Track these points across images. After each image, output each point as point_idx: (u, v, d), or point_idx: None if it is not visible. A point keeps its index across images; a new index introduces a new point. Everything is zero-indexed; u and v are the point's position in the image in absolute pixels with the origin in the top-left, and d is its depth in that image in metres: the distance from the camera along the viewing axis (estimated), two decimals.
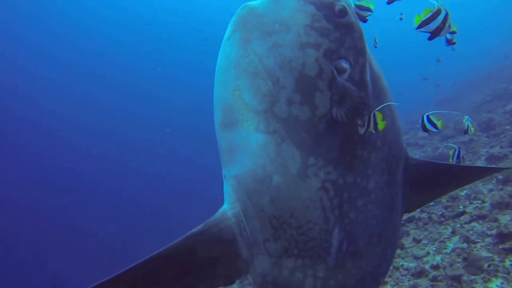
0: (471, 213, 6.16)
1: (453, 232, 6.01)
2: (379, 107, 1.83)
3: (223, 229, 1.91)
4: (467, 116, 4.52)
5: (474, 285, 4.86)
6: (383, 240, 2.09)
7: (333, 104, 1.69)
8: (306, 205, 1.78)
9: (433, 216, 6.58)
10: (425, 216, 6.76)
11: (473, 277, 4.99)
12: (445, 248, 5.79)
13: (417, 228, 6.61)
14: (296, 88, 1.68)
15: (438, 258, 5.65)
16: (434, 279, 5.28)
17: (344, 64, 1.75)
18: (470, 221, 6.04)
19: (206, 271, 1.90)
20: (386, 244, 2.12)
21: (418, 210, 7.01)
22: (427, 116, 4.27)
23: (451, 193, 6.88)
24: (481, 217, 5.99)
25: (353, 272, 2.02)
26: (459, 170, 2.63)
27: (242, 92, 1.75)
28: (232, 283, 1.99)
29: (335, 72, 1.71)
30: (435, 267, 5.47)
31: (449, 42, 4.91)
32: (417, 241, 6.27)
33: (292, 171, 1.73)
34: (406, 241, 6.37)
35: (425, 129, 4.14)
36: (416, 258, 5.87)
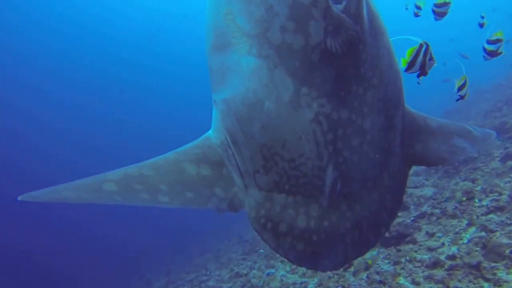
0: (487, 205, 5.79)
1: (470, 224, 5.62)
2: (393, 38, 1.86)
3: (206, 151, 1.92)
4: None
5: (495, 272, 4.45)
6: (379, 185, 2.02)
7: (327, 34, 1.65)
8: (298, 136, 1.74)
9: (448, 210, 6.20)
10: (438, 211, 6.39)
11: (493, 264, 4.58)
12: (461, 239, 5.39)
13: (429, 223, 6.23)
14: (290, 15, 1.64)
15: (454, 248, 5.25)
16: (450, 268, 4.87)
17: None
18: (487, 213, 5.67)
19: (206, 190, 1.86)
20: (383, 190, 2.04)
21: (430, 205, 6.65)
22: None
23: (465, 187, 6.54)
24: (499, 209, 5.62)
25: (348, 215, 1.97)
26: (447, 125, 2.42)
27: (235, 16, 1.74)
28: (235, 210, 1.95)
29: (330, 1, 1.68)
30: (451, 257, 5.06)
31: (494, 54, 4.66)
32: (430, 235, 5.87)
33: (284, 99, 1.70)
34: (419, 236, 5.97)
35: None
36: (430, 249, 5.46)
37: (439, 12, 5.69)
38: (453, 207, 6.24)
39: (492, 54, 4.82)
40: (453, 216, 6.03)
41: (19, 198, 1.59)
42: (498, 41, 4.81)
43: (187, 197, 1.81)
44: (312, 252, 1.94)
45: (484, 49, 4.86)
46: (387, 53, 1.92)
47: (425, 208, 6.81)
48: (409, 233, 6.08)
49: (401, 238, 6.14)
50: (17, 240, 22.04)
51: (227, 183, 1.91)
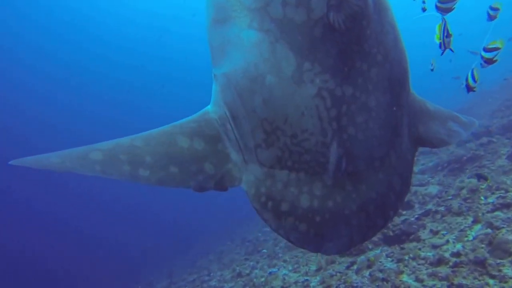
0: (493, 202, 5.66)
1: (475, 221, 5.49)
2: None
3: (203, 125, 1.88)
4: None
5: (501, 268, 4.32)
6: (386, 165, 1.96)
7: (330, 8, 1.61)
8: (301, 111, 1.70)
9: (453, 207, 6.08)
10: (443, 209, 6.26)
11: (499, 260, 4.46)
12: (466, 237, 5.27)
13: (434, 221, 6.10)
14: None
15: (459, 245, 5.12)
16: (455, 265, 4.74)
17: None
18: (493, 210, 5.54)
19: (194, 166, 1.80)
20: (390, 171, 1.98)
21: (435, 203, 6.52)
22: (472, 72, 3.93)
23: (470, 185, 6.41)
24: (506, 206, 5.49)
25: (353, 196, 1.90)
26: (441, 110, 2.44)
27: None
28: (224, 189, 1.88)
29: None
30: (456, 254, 4.93)
31: (490, 62, 4.62)
32: (434, 232, 5.75)
33: (287, 73, 1.66)
34: (423, 233, 5.86)
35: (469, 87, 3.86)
36: (435, 247, 5.34)
37: (444, 8, 5.63)
38: (459, 204, 6.12)
39: (488, 61, 4.77)
40: (458, 214, 5.91)
41: (10, 162, 1.59)
42: (495, 49, 4.77)
43: (170, 172, 1.74)
44: (315, 233, 1.87)
45: (481, 57, 4.82)
46: (392, 31, 1.87)
47: (430, 206, 6.68)
48: (413, 231, 5.96)
49: (405, 236, 6.03)
50: (18, 241, 22.13)
51: (220, 159, 1.85)
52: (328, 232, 1.88)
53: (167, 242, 19.02)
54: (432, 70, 6.55)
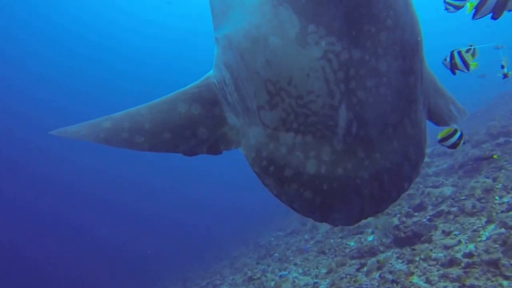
0: (508, 202, 5.46)
1: (489, 221, 5.31)
2: None
3: (203, 90, 1.87)
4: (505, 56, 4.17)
5: None
6: (401, 133, 1.85)
7: None
8: (306, 73, 1.63)
9: (466, 207, 5.90)
10: (456, 209, 6.08)
11: None
12: (479, 237, 5.10)
13: (446, 222, 5.94)
14: None
15: (471, 246, 4.95)
16: (467, 266, 4.58)
17: None
18: (508, 210, 5.35)
19: (187, 131, 1.82)
20: (405, 140, 1.88)
21: (448, 203, 6.35)
22: (459, 52, 3.88)
23: (485, 185, 6.22)
24: None
25: (366, 163, 1.78)
26: (447, 92, 2.42)
27: None
28: (218, 152, 1.87)
29: None
30: (468, 255, 4.78)
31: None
32: (447, 233, 5.59)
33: (290, 35, 1.61)
34: (435, 234, 5.69)
35: (453, 68, 3.81)
36: (446, 247, 5.18)
37: (455, 5, 5.56)
38: (472, 204, 5.93)
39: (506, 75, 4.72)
40: (472, 214, 5.73)
41: (51, 132, 1.78)
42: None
43: (163, 138, 1.78)
44: (321, 202, 1.76)
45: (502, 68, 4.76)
46: None
47: (443, 207, 6.50)
48: (425, 232, 5.80)
49: (416, 238, 5.88)
50: (24, 244, 22.52)
51: (216, 123, 1.83)
52: (337, 201, 1.78)
53: (182, 248, 19.08)
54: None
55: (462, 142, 4.12)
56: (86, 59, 36.93)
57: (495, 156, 5.62)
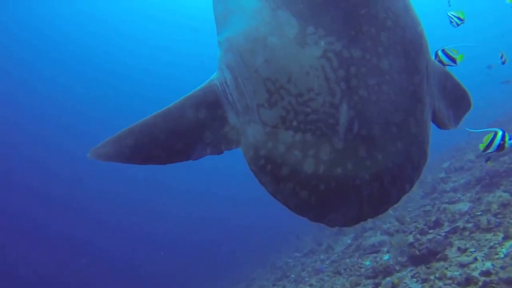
0: None
1: (506, 237, 5.13)
2: None
3: (207, 93, 1.89)
4: None
5: None
6: (405, 132, 1.81)
7: None
8: (305, 71, 1.65)
9: (481, 223, 5.72)
10: (471, 226, 5.90)
11: None
12: (496, 254, 4.91)
13: (462, 239, 5.75)
14: None
15: (488, 264, 4.78)
16: (484, 285, 4.42)
17: None
18: None
19: (195, 136, 1.86)
20: (409, 139, 1.84)
21: (464, 220, 6.19)
22: (443, 50, 3.90)
23: (502, 199, 6.03)
24: None
25: (367, 163, 1.73)
26: (460, 89, 2.41)
27: None
28: (220, 152, 1.90)
29: None
30: (485, 273, 4.60)
31: None
32: (462, 250, 5.41)
33: (289, 36, 1.66)
34: (450, 252, 5.52)
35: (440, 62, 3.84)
36: (462, 265, 5.01)
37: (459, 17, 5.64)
38: (488, 220, 5.75)
39: None
40: (488, 230, 5.55)
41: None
42: None
43: (177, 148, 1.85)
44: (317, 202, 1.74)
45: None
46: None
47: (459, 223, 6.32)
48: (440, 250, 5.63)
49: (431, 255, 5.71)
50: (30, 258, 22.73)
51: (219, 124, 1.86)
52: (334, 201, 1.74)
53: (199, 269, 18.97)
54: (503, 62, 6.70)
55: (508, 139, 3.89)
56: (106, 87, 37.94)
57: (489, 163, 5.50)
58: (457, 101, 2.41)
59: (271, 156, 1.75)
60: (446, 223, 6.74)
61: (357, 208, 1.77)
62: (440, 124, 2.21)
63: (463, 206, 7.13)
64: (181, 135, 1.86)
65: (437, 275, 5.08)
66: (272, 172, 1.75)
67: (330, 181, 1.72)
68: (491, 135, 3.89)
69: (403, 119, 1.81)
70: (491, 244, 5.17)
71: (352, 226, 1.84)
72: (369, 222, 10.33)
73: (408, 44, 1.81)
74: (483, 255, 5.02)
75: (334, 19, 1.65)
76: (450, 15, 5.96)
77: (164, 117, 1.87)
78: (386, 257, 7.20)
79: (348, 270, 7.64)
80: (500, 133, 3.76)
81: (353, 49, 1.67)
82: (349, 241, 9.86)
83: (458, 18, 6.03)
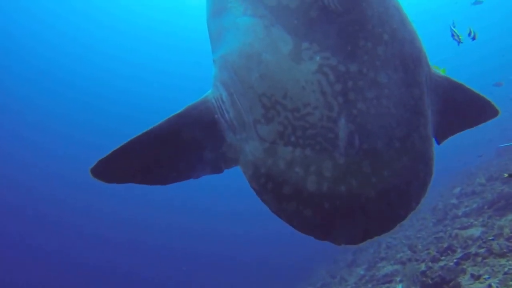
0: None
1: None
2: None
3: (203, 111, 1.89)
4: None
5: None
6: (410, 147, 1.79)
7: None
8: (301, 86, 1.65)
9: (494, 248, 5.54)
10: (484, 251, 5.71)
11: None
12: (511, 280, 4.73)
13: (475, 265, 5.56)
14: None
15: None
16: None
17: None
18: None
19: (195, 157, 1.86)
20: (415, 155, 1.81)
21: (477, 245, 6.02)
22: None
23: None
24: None
25: (373, 180, 1.70)
26: (473, 95, 2.30)
27: None
28: (220, 171, 1.90)
29: None
30: None
31: None
32: (476, 277, 5.21)
33: (283, 52, 1.66)
34: (463, 279, 5.32)
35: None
36: None
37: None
38: (501, 245, 5.57)
39: None
40: (501, 255, 5.36)
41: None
42: None
43: (179, 169, 1.88)
44: (322, 220, 1.70)
45: None
46: (398, 13, 1.85)
47: (472, 249, 6.12)
48: (453, 277, 5.44)
49: (444, 283, 5.51)
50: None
51: (217, 143, 1.85)
52: (339, 220, 1.69)
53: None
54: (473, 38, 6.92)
55: None
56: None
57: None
58: (475, 111, 2.35)
59: (271, 174, 1.71)
60: (459, 249, 6.54)
61: (364, 226, 1.73)
62: (439, 139, 2.20)
63: (475, 231, 6.94)
64: (178, 154, 1.87)
65: None
66: (273, 190, 1.71)
67: (334, 198, 1.68)
68: None
69: (406, 134, 1.78)
70: (506, 269, 4.98)
71: (359, 244, 1.79)
72: (382, 252, 10.10)
73: (406, 57, 1.81)
74: (497, 281, 4.83)
75: (329, 34, 1.65)
76: (454, 30, 6.14)
77: (156, 137, 1.85)
78: (399, 286, 6.97)
79: None
80: None
81: (349, 63, 1.66)
82: (362, 272, 9.60)
83: (458, 38, 6.19)
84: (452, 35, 6.19)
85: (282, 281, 16.45)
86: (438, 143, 2.22)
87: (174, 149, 1.88)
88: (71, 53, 34.33)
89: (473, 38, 7.10)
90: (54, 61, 34.22)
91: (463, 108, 2.28)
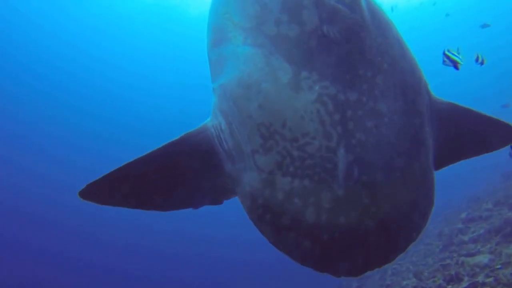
0: None
1: None
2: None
3: (201, 140, 1.88)
4: None
5: None
6: (410, 178, 1.77)
7: (323, 21, 1.64)
8: (300, 115, 1.64)
9: (501, 278, 5.36)
10: (491, 280, 5.53)
11: None
12: None
13: None
14: (283, 8, 1.66)
15: None
16: None
17: None
18: None
19: (193, 185, 1.86)
20: (415, 186, 1.79)
21: (485, 274, 5.85)
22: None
23: None
24: None
25: (373, 211, 1.67)
26: (483, 118, 2.24)
27: (231, 15, 1.80)
28: (219, 202, 1.90)
29: None
30: None
31: None
32: None
33: (283, 81, 1.67)
34: None
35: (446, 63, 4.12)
36: None
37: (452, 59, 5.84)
38: (509, 273, 5.39)
39: None
40: (509, 285, 5.18)
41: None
42: None
43: (175, 197, 1.88)
44: (321, 252, 1.67)
45: None
46: (398, 44, 1.86)
47: (479, 278, 5.93)
48: None
49: None
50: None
51: (215, 173, 1.84)
52: (338, 252, 1.67)
53: None
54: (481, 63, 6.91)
55: None
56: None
57: None
58: (488, 135, 2.30)
59: (269, 205, 1.68)
60: (466, 278, 6.33)
61: (363, 258, 1.70)
62: (437, 166, 2.14)
63: (483, 259, 6.74)
64: (175, 183, 1.87)
65: None
66: (272, 221, 1.69)
67: (333, 230, 1.66)
68: None
69: (407, 164, 1.76)
70: None
71: (359, 276, 1.76)
72: (387, 279, 9.85)
73: (406, 86, 1.81)
74: None
75: (328, 64, 1.67)
76: (448, 55, 6.12)
77: (151, 164, 1.85)
78: None
79: None
80: None
81: (348, 92, 1.65)
82: None
83: (450, 60, 6.16)
84: (443, 61, 6.03)
85: None
86: (437, 169, 2.15)
87: (170, 177, 1.86)
88: (69, 57, 34.20)
89: (481, 63, 7.08)
90: (51, 65, 33.86)
91: (471, 134, 2.23)
